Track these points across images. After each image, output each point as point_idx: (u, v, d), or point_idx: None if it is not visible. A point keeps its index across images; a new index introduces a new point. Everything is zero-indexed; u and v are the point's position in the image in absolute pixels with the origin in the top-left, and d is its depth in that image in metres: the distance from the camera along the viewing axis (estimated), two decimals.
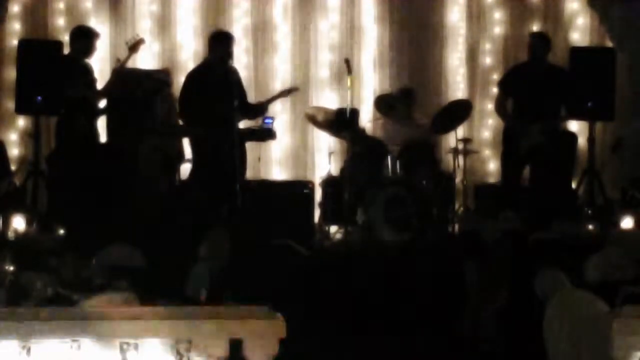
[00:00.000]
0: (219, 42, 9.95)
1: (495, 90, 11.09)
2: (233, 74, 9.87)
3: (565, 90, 10.21)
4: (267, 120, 10.39)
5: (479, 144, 11.38)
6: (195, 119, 9.83)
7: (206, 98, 9.70)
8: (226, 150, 9.49)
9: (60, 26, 11.12)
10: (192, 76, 10.08)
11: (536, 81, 10.13)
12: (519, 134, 10.10)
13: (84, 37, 10.16)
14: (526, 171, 10.34)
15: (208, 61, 10.11)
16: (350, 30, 11.56)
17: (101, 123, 10.26)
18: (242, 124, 10.46)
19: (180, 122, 10.17)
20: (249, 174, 10.88)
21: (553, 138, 10.13)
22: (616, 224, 8.71)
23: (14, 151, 10.93)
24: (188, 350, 4.68)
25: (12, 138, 11.02)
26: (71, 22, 10.95)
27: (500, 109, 10.51)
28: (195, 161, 9.99)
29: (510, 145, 10.24)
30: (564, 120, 10.62)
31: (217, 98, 9.62)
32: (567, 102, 10.28)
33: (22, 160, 10.71)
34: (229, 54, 9.86)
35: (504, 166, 10.45)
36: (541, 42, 10.38)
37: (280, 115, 11.00)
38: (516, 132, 10.14)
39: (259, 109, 10.22)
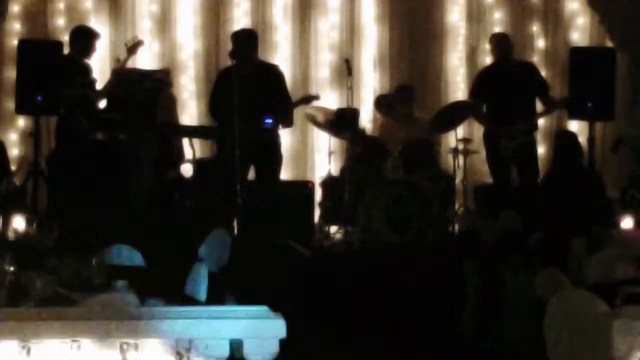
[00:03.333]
0: (232, 41, 9.89)
1: None
2: (261, 73, 9.73)
3: (536, 85, 10.25)
4: (267, 121, 10.37)
5: (479, 144, 11.37)
6: (219, 116, 9.77)
7: (225, 96, 9.65)
8: (228, 149, 9.45)
9: (60, 26, 11.11)
10: (218, 75, 10.06)
11: (506, 81, 10.14)
12: (499, 135, 10.12)
13: (84, 37, 10.16)
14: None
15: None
16: (350, 30, 11.56)
17: None
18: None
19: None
20: (250, 174, 10.89)
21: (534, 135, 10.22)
22: (616, 224, 8.71)
23: (14, 151, 10.93)
24: (188, 350, 4.68)
25: (12, 138, 11.01)
26: (71, 22, 10.95)
27: (476, 116, 10.54)
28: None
29: (491, 147, 10.27)
30: (542, 115, 10.61)
31: (235, 96, 9.55)
32: (540, 95, 10.31)
33: (22, 160, 10.71)
34: (234, 52, 9.77)
35: (491, 168, 10.47)
36: (505, 41, 10.40)
37: None
38: (496, 134, 10.16)
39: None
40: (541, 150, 10.91)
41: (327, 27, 11.55)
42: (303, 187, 10.46)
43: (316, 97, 10.56)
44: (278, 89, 9.80)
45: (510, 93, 10.09)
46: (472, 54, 11.67)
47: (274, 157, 9.81)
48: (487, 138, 10.38)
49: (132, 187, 9.79)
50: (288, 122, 10.08)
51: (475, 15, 11.72)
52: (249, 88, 9.39)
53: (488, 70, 10.57)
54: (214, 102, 9.84)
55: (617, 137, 10.98)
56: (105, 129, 10.07)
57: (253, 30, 10.29)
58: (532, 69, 10.46)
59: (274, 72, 9.92)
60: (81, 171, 9.62)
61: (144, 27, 11.24)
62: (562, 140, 10.02)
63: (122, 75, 10.18)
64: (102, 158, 9.90)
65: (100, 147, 10.15)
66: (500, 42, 10.41)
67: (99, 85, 10.28)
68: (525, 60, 10.73)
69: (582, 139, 10.51)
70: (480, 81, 10.47)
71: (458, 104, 10.90)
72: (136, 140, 10.00)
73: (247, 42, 9.79)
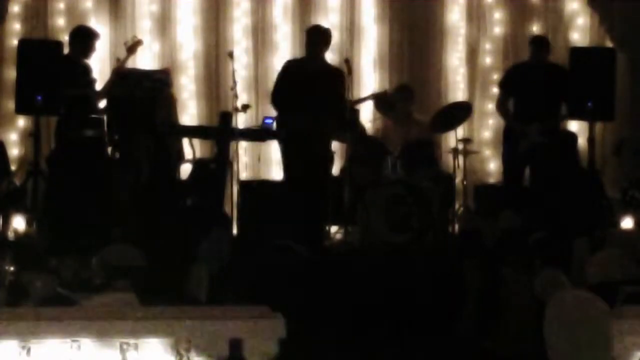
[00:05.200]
0: (307, 38, 10.05)
1: (495, 90, 11.10)
2: (325, 73, 9.85)
3: (566, 89, 10.24)
4: (267, 120, 10.39)
5: (479, 144, 11.38)
6: (282, 109, 9.91)
7: (289, 90, 9.79)
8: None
9: (60, 26, 11.11)
10: (283, 67, 10.19)
11: (537, 80, 10.16)
12: (518, 134, 10.13)
13: (84, 38, 10.16)
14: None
15: (303, 57, 10.22)
16: (350, 30, 11.56)
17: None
18: (243, 124, 10.48)
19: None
20: (249, 174, 10.89)
21: (553, 137, 10.16)
22: (616, 224, 8.72)
23: (14, 151, 10.93)
24: (188, 350, 4.68)
25: (12, 138, 11.01)
26: (71, 22, 10.95)
27: (501, 109, 10.53)
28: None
29: (510, 145, 10.26)
30: (564, 119, 10.62)
31: (298, 92, 9.71)
32: (568, 100, 10.31)
33: (22, 160, 10.71)
34: (311, 50, 9.92)
35: (505, 166, 10.47)
36: (542, 46, 10.40)
37: None
38: (515, 132, 10.17)
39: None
40: None
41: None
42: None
43: (384, 94, 10.67)
44: (341, 94, 9.82)
45: (537, 92, 10.10)
46: (472, 54, 11.69)
47: (327, 156, 9.93)
48: (507, 134, 10.38)
49: (130, 187, 9.78)
50: (350, 127, 10.09)
51: (475, 15, 11.72)
52: (313, 84, 9.64)
53: (522, 65, 10.55)
54: (278, 91, 9.96)
55: (620, 138, 10.98)
56: (103, 130, 10.08)
57: (328, 30, 10.31)
58: (564, 74, 10.42)
59: (339, 76, 9.91)
60: (81, 171, 9.62)
61: (144, 27, 11.23)
62: (560, 140, 10.04)
63: (122, 75, 10.18)
64: (100, 158, 9.89)
65: (98, 147, 10.14)
66: (533, 47, 10.38)
67: (99, 85, 10.29)
68: (561, 64, 10.72)
69: (582, 139, 10.53)
70: (512, 75, 10.48)
71: (458, 104, 10.91)
72: (134, 141, 9.99)
73: (321, 39, 9.97)
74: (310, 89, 9.64)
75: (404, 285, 8.64)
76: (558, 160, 10.15)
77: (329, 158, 9.99)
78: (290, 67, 10.06)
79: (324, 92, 9.67)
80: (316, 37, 9.97)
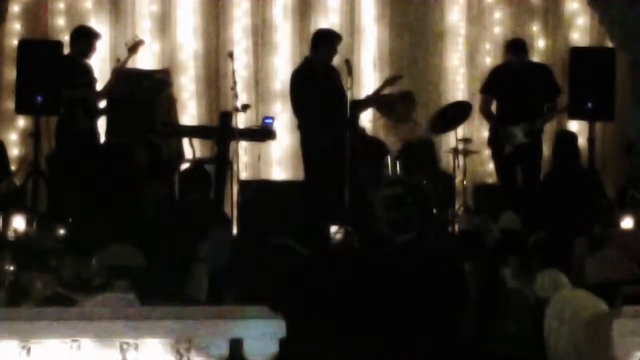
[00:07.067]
0: (325, 41, 10.16)
1: None
2: (334, 73, 10.12)
3: (550, 86, 10.26)
4: (267, 120, 10.40)
5: (479, 144, 11.37)
6: (311, 118, 10.00)
7: (314, 96, 9.92)
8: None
9: (60, 26, 11.11)
10: (297, 75, 10.22)
11: (519, 82, 10.17)
12: (503, 136, 10.17)
13: (84, 38, 10.17)
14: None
15: (310, 60, 10.26)
16: (350, 30, 11.56)
17: (101, 123, 10.27)
18: (243, 124, 10.48)
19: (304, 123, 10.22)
20: (249, 174, 10.88)
21: (537, 138, 10.21)
22: (616, 224, 8.72)
23: (14, 151, 10.93)
24: (188, 350, 4.68)
25: (12, 138, 11.01)
26: (71, 22, 10.95)
27: (485, 112, 10.55)
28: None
29: (497, 147, 10.30)
30: (555, 114, 10.62)
31: (323, 96, 9.90)
32: (555, 96, 10.32)
33: (22, 160, 10.71)
34: (328, 51, 10.13)
35: (497, 168, 10.51)
36: (520, 48, 10.42)
37: (280, 115, 11.00)
38: (500, 135, 10.21)
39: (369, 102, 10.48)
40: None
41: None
42: (303, 187, 10.45)
43: (400, 77, 10.64)
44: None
45: (521, 93, 10.11)
46: (472, 54, 11.70)
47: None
48: (493, 137, 10.40)
49: (132, 187, 9.78)
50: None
51: (475, 15, 11.72)
52: (331, 84, 9.98)
53: (503, 67, 10.56)
54: (309, 101, 10.05)
55: (630, 138, 11.00)
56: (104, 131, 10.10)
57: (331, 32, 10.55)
58: (547, 71, 10.44)
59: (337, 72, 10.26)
60: (81, 171, 9.62)
61: (144, 27, 11.24)
62: (559, 140, 10.05)
63: (122, 76, 10.19)
64: (101, 159, 9.90)
65: (100, 146, 10.16)
66: (512, 51, 10.40)
67: (99, 86, 10.29)
68: (540, 62, 10.72)
69: (582, 139, 10.53)
70: (494, 78, 10.48)
71: (458, 104, 10.91)
72: (134, 141, 9.99)
73: (332, 41, 10.25)
74: (335, 89, 9.95)
75: (404, 285, 8.64)
76: (541, 160, 10.21)
77: None
78: (306, 73, 10.18)
79: (343, 88, 10.00)
80: (333, 41, 10.24)
